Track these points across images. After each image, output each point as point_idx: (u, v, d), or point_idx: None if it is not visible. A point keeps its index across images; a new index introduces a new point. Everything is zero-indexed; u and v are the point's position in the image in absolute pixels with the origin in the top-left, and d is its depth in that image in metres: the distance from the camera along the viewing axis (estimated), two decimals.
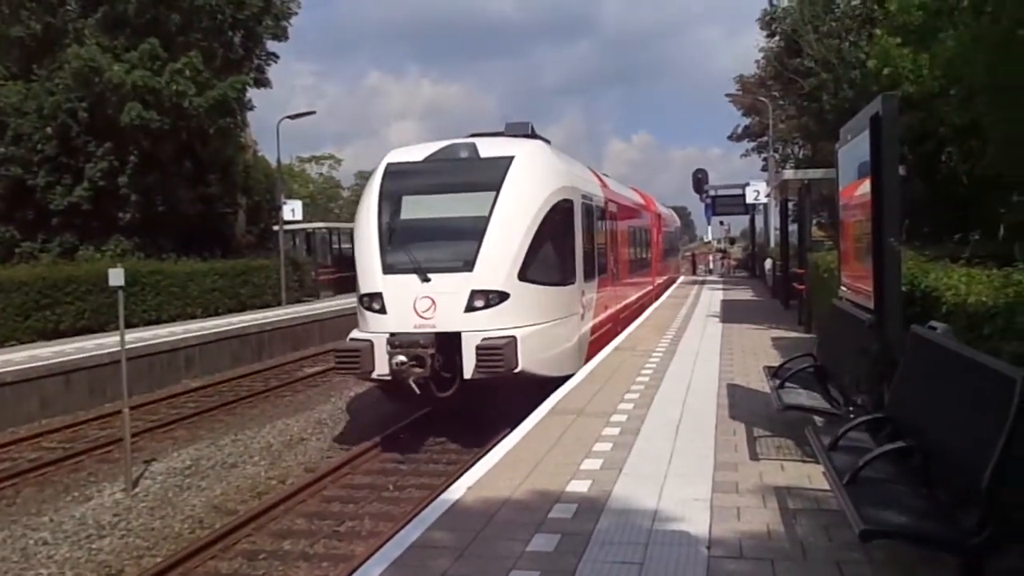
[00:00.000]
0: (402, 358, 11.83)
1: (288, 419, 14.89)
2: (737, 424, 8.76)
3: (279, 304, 29.69)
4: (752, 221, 43.59)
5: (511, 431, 9.10)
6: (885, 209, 6.92)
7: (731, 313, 20.95)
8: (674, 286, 34.09)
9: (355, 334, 12.74)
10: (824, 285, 13.49)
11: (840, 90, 22.48)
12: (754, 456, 7.54)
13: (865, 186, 7.41)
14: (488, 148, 13.52)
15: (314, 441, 13.37)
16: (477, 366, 11.72)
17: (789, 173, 19.88)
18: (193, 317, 25.15)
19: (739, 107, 50.17)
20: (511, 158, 13.16)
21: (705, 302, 24.98)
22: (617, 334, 17.22)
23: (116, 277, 10.84)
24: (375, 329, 12.36)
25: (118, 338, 11.56)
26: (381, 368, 12.07)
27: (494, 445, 8.74)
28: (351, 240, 45.59)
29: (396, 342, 11.96)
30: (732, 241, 63.74)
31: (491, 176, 12.90)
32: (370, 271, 12.67)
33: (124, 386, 11.51)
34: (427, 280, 12.20)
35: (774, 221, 35.12)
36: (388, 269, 12.50)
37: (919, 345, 5.54)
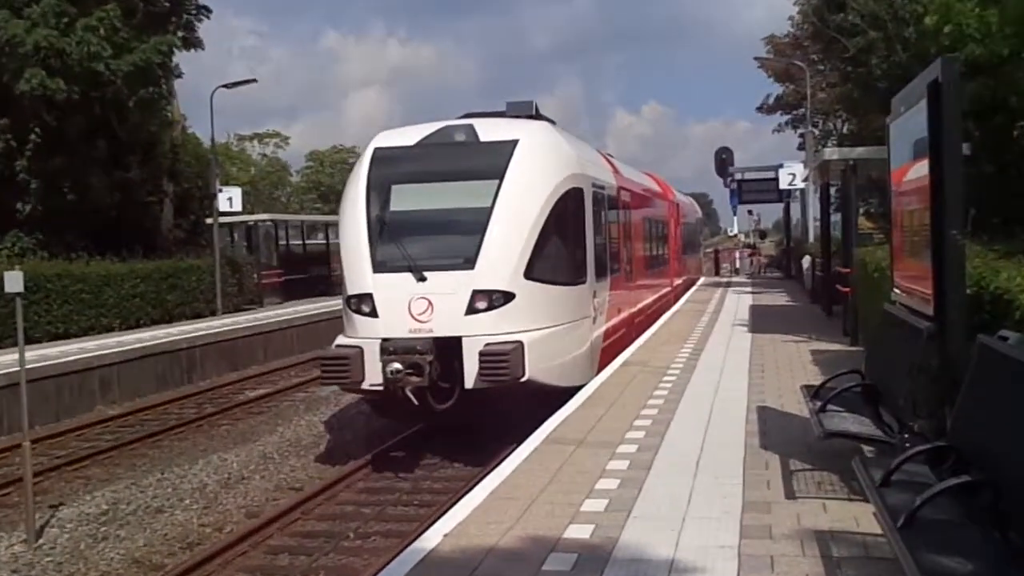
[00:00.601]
0: (397, 366, 12.38)
1: (226, 453, 14.86)
2: (770, 455, 8.79)
3: (214, 314, 29.64)
4: (787, 210, 43.76)
5: (514, 450, 9.22)
6: (946, 195, 6.97)
7: (762, 321, 21.03)
8: (693, 288, 34.21)
9: (342, 340, 13.40)
10: (874, 287, 13.57)
11: (892, 52, 22.62)
12: (790, 494, 7.56)
13: (922, 167, 7.46)
14: (488, 131, 14.15)
15: (258, 480, 13.35)
16: (480, 374, 12.32)
17: (831, 152, 19.93)
18: (109, 330, 25.07)
19: (770, 73, 50.39)
20: (515, 142, 13.79)
21: (730, 308, 25.07)
22: (632, 341, 17.88)
23: (13, 282, 10.80)
24: (365, 334, 12.97)
25: (16, 356, 11.52)
26: (372, 377, 12.64)
27: (478, 481, 8.74)
28: (301, 235, 45.66)
29: (390, 348, 12.55)
30: (763, 235, 64.12)
31: (493, 162, 13.54)
32: (358, 270, 13.31)
33: (24, 415, 11.45)
34: (423, 279, 12.88)
35: (813, 210, 35.31)
36: (379, 267, 13.16)
37: (987, 359, 5.57)
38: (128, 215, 30.81)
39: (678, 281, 32.09)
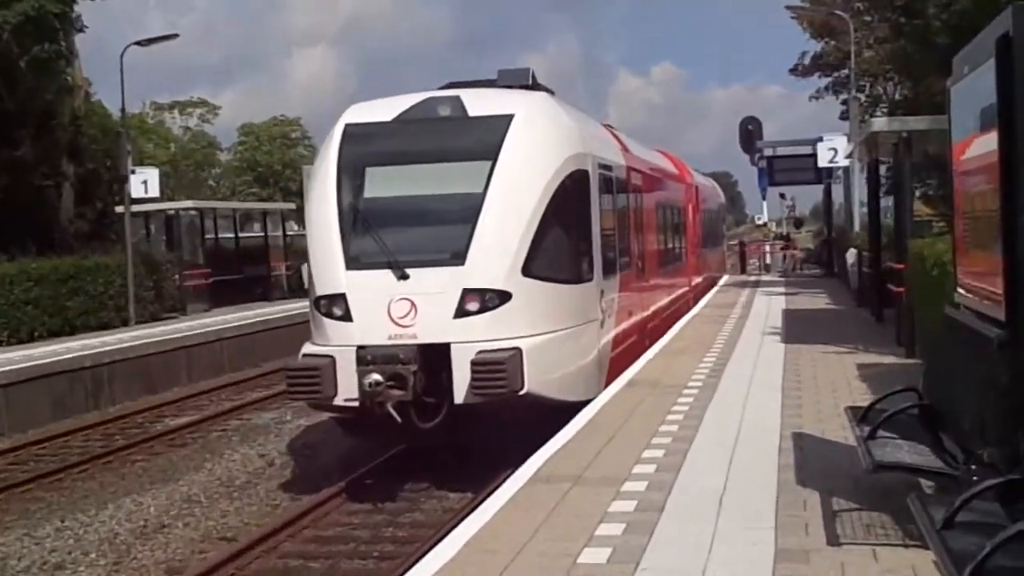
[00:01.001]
0: (376, 377, 12.80)
1: (141, 496, 14.82)
2: (808, 493, 8.82)
3: (126, 324, 29.57)
4: (827, 194, 43.99)
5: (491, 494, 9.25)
6: (1019, 174, 7.01)
7: (797, 329, 21.13)
8: (715, 289, 34.34)
9: (309, 348, 13.88)
10: (933, 287, 13.63)
11: (955, 0, 22.73)
12: (833, 540, 7.60)
13: (990, 140, 7.50)
14: (478, 104, 14.65)
15: (180, 528, 13.32)
16: (472, 387, 12.78)
17: (880, 123, 20.04)
18: None
19: (806, 27, 50.61)
20: (509, 117, 14.29)
21: (760, 312, 25.15)
22: (644, 351, 18.44)
23: None
24: (337, 341, 13.45)
25: None
26: (346, 391, 13.10)
27: (452, 527, 8.74)
28: (234, 226, 45.70)
29: (368, 357, 13.00)
30: (798, 223, 64.38)
31: (485, 140, 14.06)
32: (328, 266, 13.77)
33: None
34: (405, 277, 13.36)
35: (859, 193, 35.47)
36: (353, 263, 13.63)
37: None
38: (17, 202, 30.73)
39: (697, 280, 32.56)
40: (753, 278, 42.27)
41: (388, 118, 14.77)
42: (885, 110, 46.42)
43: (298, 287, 41.81)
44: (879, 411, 8.81)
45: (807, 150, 38.47)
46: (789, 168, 41.31)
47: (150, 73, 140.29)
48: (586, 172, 15.13)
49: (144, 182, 32.48)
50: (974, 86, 8.07)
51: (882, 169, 26.95)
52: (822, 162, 35.84)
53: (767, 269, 48.84)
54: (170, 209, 38.57)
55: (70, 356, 22.55)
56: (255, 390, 23.79)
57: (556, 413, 12.83)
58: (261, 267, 40.81)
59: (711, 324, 22.75)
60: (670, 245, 25.94)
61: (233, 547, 11.98)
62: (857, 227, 34.49)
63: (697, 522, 8.14)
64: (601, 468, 10.11)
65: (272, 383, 24.62)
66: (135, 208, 32.89)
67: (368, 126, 14.75)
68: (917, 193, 39.53)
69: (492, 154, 13.92)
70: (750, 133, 42.70)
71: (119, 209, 32.99)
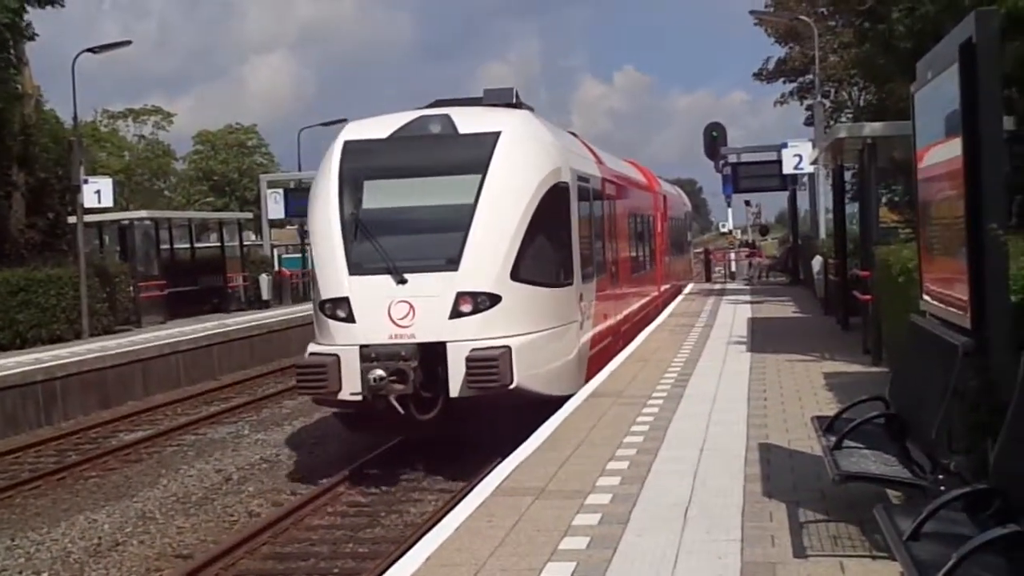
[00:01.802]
0: (380, 373, 14.22)
1: (95, 513, 14.70)
2: (774, 505, 8.85)
3: (79, 337, 29.32)
4: (792, 201, 44.22)
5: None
6: (983, 180, 7.06)
7: (764, 337, 21.20)
8: (679, 298, 34.44)
9: (314, 348, 15.26)
10: (899, 294, 13.71)
11: (918, 5, 22.91)
12: (800, 552, 7.62)
13: (954, 146, 7.56)
14: (467, 122, 16.14)
15: (135, 545, 13.22)
16: (467, 381, 14.25)
17: (845, 128, 20.16)
18: None
19: (770, 32, 50.92)
20: (497, 134, 15.77)
21: (725, 321, 25.23)
22: (617, 352, 19.80)
23: None
24: (341, 341, 14.85)
25: None
26: (350, 387, 14.48)
27: (411, 544, 8.71)
28: (189, 236, 45.55)
29: (372, 355, 14.43)
30: (763, 230, 64.71)
31: (474, 156, 15.53)
32: (332, 272, 15.20)
33: None
34: (403, 281, 14.80)
35: (825, 200, 35.67)
36: (355, 269, 15.06)
37: None
38: None
39: (665, 286, 33.47)
40: (718, 286, 42.40)
41: (384, 135, 16.14)
42: (850, 115, 46.73)
43: (255, 298, 41.71)
44: (845, 421, 8.84)
45: (772, 156, 38.67)
46: (754, 175, 41.52)
47: (104, 81, 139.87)
48: (566, 184, 16.64)
49: (97, 192, 32.25)
50: (938, 91, 8.13)
51: (848, 175, 27.10)
52: (787, 168, 36.03)
53: (732, 277, 49.01)
54: (124, 219, 38.29)
55: (21, 370, 22.33)
56: (212, 404, 23.66)
57: (541, 406, 14.10)
58: (217, 278, 40.59)
59: (676, 334, 22.81)
60: (640, 252, 27.51)
61: (189, 565, 11.89)
62: (823, 234, 34.64)
63: (662, 535, 8.14)
64: (564, 481, 10.10)
65: (229, 396, 24.52)
66: (88, 218, 32.65)
67: (365, 143, 16.15)
68: (883, 199, 39.76)
69: (481, 168, 15.32)
70: (714, 140, 42.86)
71: (71, 219, 32.75)
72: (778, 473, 9.89)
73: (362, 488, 14.96)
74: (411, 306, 14.68)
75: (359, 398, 14.50)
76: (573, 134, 21.80)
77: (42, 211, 36.19)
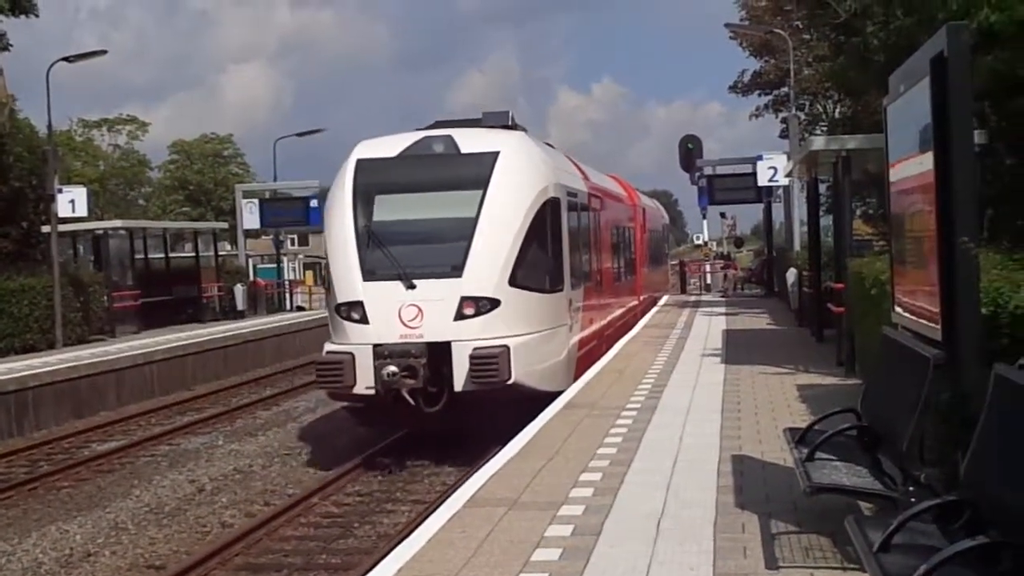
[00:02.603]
0: (393, 369, 15.77)
1: (67, 523, 14.60)
2: (747, 516, 8.86)
3: (52, 347, 29.14)
4: (768, 213, 44.35)
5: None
6: (955, 193, 7.11)
7: (738, 350, 21.25)
8: (654, 310, 34.49)
9: (331, 347, 16.79)
10: (872, 307, 13.78)
11: (892, 18, 23.01)
12: (772, 563, 7.63)
13: (927, 159, 7.60)
14: (468, 142, 17.84)
15: (107, 556, 13.14)
16: (470, 377, 15.88)
17: (819, 141, 20.26)
18: None
19: (745, 45, 51.05)
20: (496, 154, 17.45)
21: (699, 333, 25.27)
22: (602, 354, 21.31)
23: None
24: (356, 340, 16.38)
25: None
26: (364, 382, 16.02)
27: (383, 555, 8.67)
28: (164, 246, 45.32)
29: (386, 352, 16.00)
30: (738, 242, 64.89)
31: (476, 173, 17.17)
32: (348, 277, 16.80)
33: None
34: (412, 287, 16.38)
35: (799, 212, 35.81)
36: (369, 275, 16.64)
37: (1007, 392, 5.67)
38: None
39: (644, 296, 34.75)
40: (693, 298, 42.46)
41: (393, 154, 17.79)
42: (825, 128, 46.85)
43: (230, 308, 41.56)
44: (818, 432, 8.86)
45: (747, 169, 38.79)
46: (729, 187, 41.65)
47: (81, 91, 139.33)
48: (558, 199, 18.35)
49: (71, 201, 32.15)
50: (910, 105, 8.18)
51: (822, 187, 27.20)
52: (762, 181, 36.18)
53: (707, 289, 49.10)
54: (98, 229, 38.15)
55: None
56: (186, 414, 23.54)
57: (535, 401, 15.48)
58: (192, 288, 40.45)
59: (650, 345, 22.83)
60: (622, 263, 29.38)
61: (161, 575, 11.84)
62: (798, 246, 34.75)
63: (634, 546, 8.15)
64: (538, 492, 10.09)
65: (203, 407, 24.42)
66: (62, 227, 32.49)
67: (376, 161, 17.73)
68: (857, 212, 40.00)
69: (482, 185, 16.95)
70: (690, 152, 42.98)
71: (45, 228, 32.55)
72: (751, 485, 9.91)
73: (336, 499, 14.94)
74: (419, 309, 16.21)
75: (371, 392, 15.98)
76: (549, 144, 22.44)
77: (15, 220, 35.90)
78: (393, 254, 16.64)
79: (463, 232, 16.68)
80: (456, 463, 16.59)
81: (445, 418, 16.10)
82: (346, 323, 16.60)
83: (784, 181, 35.20)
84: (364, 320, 16.40)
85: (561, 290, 18.43)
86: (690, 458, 11.20)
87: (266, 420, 22.12)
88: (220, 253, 45.54)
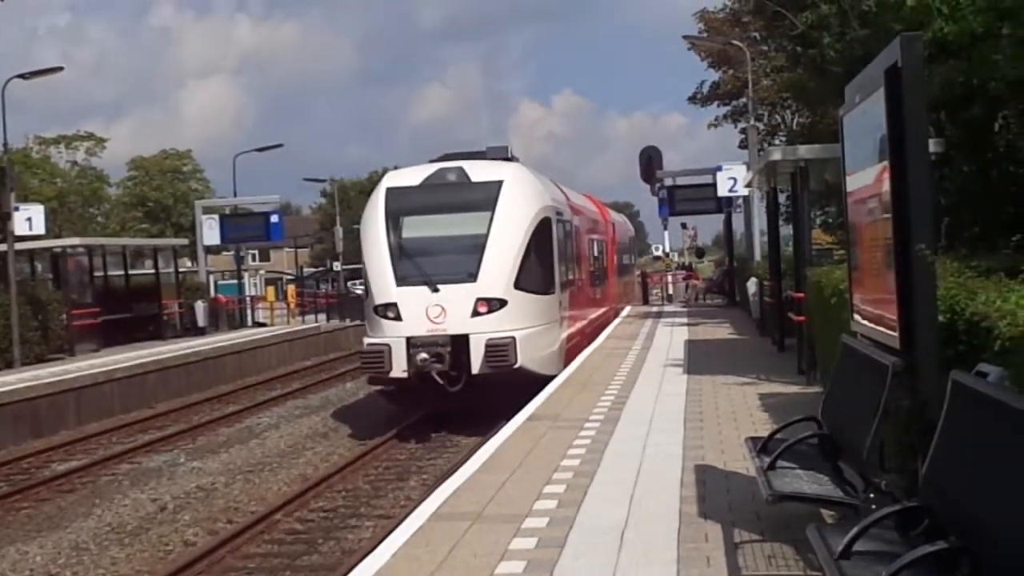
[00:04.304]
0: (424, 355, 19.75)
1: (26, 544, 14.48)
2: (710, 525, 8.89)
3: (10, 366, 28.92)
4: (728, 223, 44.57)
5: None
6: (911, 202, 7.17)
7: (700, 360, 21.33)
8: (616, 321, 34.58)
9: (369, 340, 20.86)
10: (831, 315, 13.85)
11: (848, 30, 23.21)
12: (735, 572, 7.66)
13: (882, 170, 7.67)
14: (477, 172, 22.18)
15: None
16: (485, 362, 19.95)
17: (777, 152, 20.38)
18: None
19: (704, 56, 51.28)
20: (500, 182, 21.72)
21: (661, 344, 25.35)
22: (582, 349, 24.83)
23: None
24: (391, 334, 20.36)
25: None
26: (398, 369, 20.04)
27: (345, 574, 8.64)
28: (124, 264, 45.12)
29: (418, 343, 20.02)
30: (699, 253, 65.10)
31: (485, 198, 21.38)
32: (384, 283, 20.79)
33: None
34: (436, 290, 20.31)
35: (759, 222, 35.98)
36: (401, 281, 20.63)
37: (963, 399, 5.72)
38: None
39: (615, 304, 38.40)
40: (656, 309, 42.57)
41: (416, 183, 22.11)
42: (784, 138, 47.08)
43: (191, 325, 41.32)
44: (779, 441, 8.91)
45: (707, 179, 38.86)
46: (690, 198, 41.81)
47: (40, 108, 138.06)
48: (549, 218, 22.44)
49: (29, 219, 31.87)
50: (865, 115, 8.25)
51: (782, 197, 27.34)
52: (722, 191, 36.27)
53: (670, 299, 49.21)
54: (56, 246, 37.87)
55: None
56: (147, 432, 23.38)
57: (534, 383, 18.89)
58: (153, 305, 40.21)
59: (612, 357, 22.88)
60: (598, 272, 33.84)
61: None
62: (758, 256, 34.90)
63: (598, 558, 8.16)
64: (501, 505, 10.10)
65: (165, 425, 24.26)
66: (19, 246, 32.24)
67: (402, 189, 22.05)
68: (817, 221, 40.10)
69: (491, 207, 21.15)
70: (650, 162, 43.16)
71: (2, 247, 32.28)
72: (714, 494, 9.95)
73: (300, 515, 14.89)
74: (443, 308, 20.16)
75: (404, 375, 19.94)
76: (512, 156, 25.18)
77: None
78: (420, 264, 20.73)
79: (476, 246, 20.76)
80: (422, 479, 16.59)
81: (463, 396, 19.81)
82: (383, 320, 20.49)
83: (744, 191, 35.32)
84: (398, 317, 20.29)
85: (553, 293, 22.49)
86: (653, 469, 11.23)
87: (228, 437, 22.02)
88: (180, 270, 45.26)
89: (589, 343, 26.43)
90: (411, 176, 22.75)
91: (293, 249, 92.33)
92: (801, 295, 18.05)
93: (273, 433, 22.13)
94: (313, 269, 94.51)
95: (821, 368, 16.10)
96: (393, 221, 21.41)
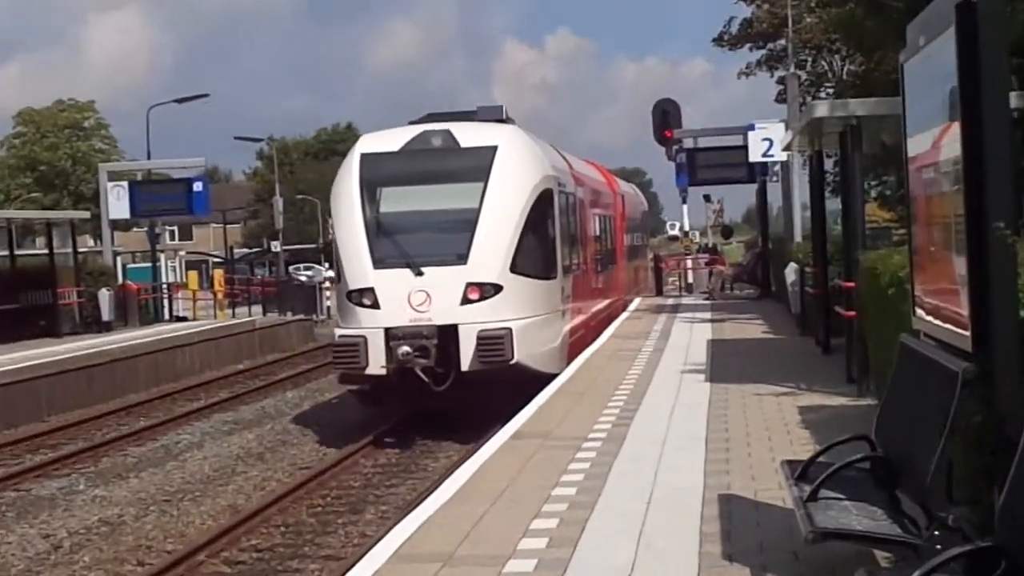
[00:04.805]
0: (406, 348, 20.57)
1: None
2: (736, 570, 8.90)
3: None
4: (762, 195, 44.50)
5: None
6: (987, 170, 7.16)
7: (726, 364, 21.37)
8: (624, 315, 34.62)
9: (342, 331, 21.82)
10: (889, 309, 13.85)
11: None
12: None
13: (952, 130, 7.66)
14: (466, 136, 22.95)
15: None
16: (476, 357, 20.79)
17: (823, 107, 20.37)
18: None
19: None
20: (494, 148, 22.47)
21: (678, 344, 25.37)
22: (587, 344, 25.92)
23: None
24: (367, 324, 21.25)
25: None
26: (375, 364, 20.93)
27: None
28: (8, 242, 45.01)
29: (399, 334, 20.85)
30: (727, 232, 65.06)
31: (476, 167, 22.16)
32: (358, 265, 21.64)
33: None
34: (420, 273, 21.19)
35: (801, 194, 36.02)
36: (379, 263, 21.49)
37: None
38: None
39: (624, 296, 39.31)
40: (671, 301, 42.61)
41: (395, 148, 22.98)
42: (831, 90, 47.18)
43: (94, 319, 41.17)
44: (823, 465, 8.89)
45: (737, 141, 38.97)
46: (715, 163, 41.74)
47: None
48: (551, 190, 23.44)
49: None
50: (931, 62, 8.22)
51: (828, 163, 27.35)
52: (754, 156, 36.36)
53: (689, 289, 49.18)
54: None
55: None
56: (38, 452, 23.34)
57: (532, 382, 19.73)
58: (45, 293, 39.99)
59: (617, 360, 22.90)
60: (606, 254, 35.07)
61: None
62: (799, 236, 34.97)
63: None
64: (478, 544, 10.07)
65: (60, 443, 24.21)
66: None
67: (379, 155, 22.95)
68: (872, 193, 40.18)
69: (483, 177, 21.92)
70: (666, 119, 43.07)
71: None
72: (741, 531, 9.94)
73: (228, 556, 14.87)
74: (427, 294, 21.06)
75: (383, 371, 20.95)
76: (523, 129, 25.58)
77: None
78: (401, 243, 21.66)
79: (467, 222, 21.58)
80: (380, 511, 16.61)
81: (451, 396, 20.79)
82: (358, 309, 21.44)
83: (782, 156, 35.38)
84: (375, 305, 21.21)
85: (555, 278, 23.57)
86: (667, 499, 11.22)
87: (140, 458, 22.00)
88: (80, 250, 45.16)
89: (594, 338, 27.40)
90: (390, 140, 23.61)
91: (221, 225, 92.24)
92: (851, 284, 18.06)
93: (195, 454, 22.13)
94: (247, 250, 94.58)
95: (875, 375, 16.11)
96: (369, 193, 22.27)
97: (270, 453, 21.88)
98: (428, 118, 24.59)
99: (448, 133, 22.92)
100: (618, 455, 13.49)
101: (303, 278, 78.65)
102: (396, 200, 22.42)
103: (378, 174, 22.58)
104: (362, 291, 21.36)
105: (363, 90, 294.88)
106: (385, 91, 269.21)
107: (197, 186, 46.19)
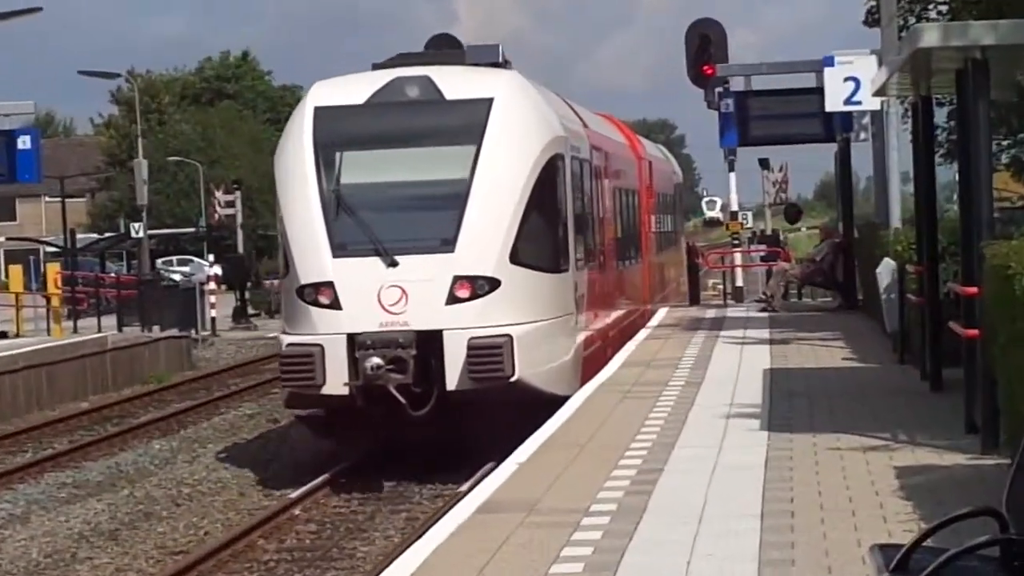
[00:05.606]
0: (377, 361, 21.51)
1: None
2: None
3: None
4: (844, 161, 44.58)
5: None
6: None
7: (790, 405, 21.43)
8: (642, 334, 34.64)
9: (291, 338, 22.81)
10: None
11: None
12: None
13: None
14: (453, 85, 24.19)
15: None
16: (466, 373, 21.85)
17: (935, 33, 20.42)
18: None
19: None
20: (489, 101, 23.71)
21: (722, 376, 25.36)
22: (606, 361, 27.55)
23: None
24: (324, 330, 22.44)
25: None
26: (334, 382, 21.92)
27: None
28: None
29: (368, 342, 21.85)
30: (794, 214, 64.99)
31: (466, 125, 23.49)
32: (312, 253, 22.77)
33: None
34: (394, 264, 22.44)
35: (899, 160, 36.11)
36: (339, 251, 22.74)
37: None
38: None
39: (648, 304, 40.98)
40: (712, 314, 42.53)
41: (360, 100, 24.12)
42: (945, 8, 47.35)
43: None
44: (931, 551, 8.92)
45: (808, 81, 38.99)
46: (775, 114, 41.63)
47: None
48: (562, 156, 24.90)
49: None
50: None
51: (940, 114, 27.45)
52: (833, 104, 36.34)
53: (737, 296, 49.11)
54: None
55: None
56: None
57: (538, 407, 20.69)
58: None
59: (633, 400, 22.87)
60: (627, 239, 37.68)
61: None
62: (897, 221, 35.05)
63: None
64: None
65: None
66: None
67: (339, 109, 24.06)
68: (1004, 158, 40.39)
69: (475, 139, 23.16)
70: (706, 50, 43.03)
71: None
72: None
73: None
74: (403, 291, 22.29)
75: (345, 391, 21.92)
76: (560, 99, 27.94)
77: None
78: (369, 225, 22.96)
79: (454, 197, 23.07)
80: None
81: (433, 423, 21.80)
82: (312, 309, 22.58)
83: (873, 104, 35.40)
84: (335, 305, 22.43)
85: (566, 271, 25.13)
86: None
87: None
88: None
89: (614, 353, 29.39)
90: (352, 90, 24.88)
91: (58, 199, 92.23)
92: (974, 291, 18.07)
93: (18, 531, 22.11)
94: (95, 236, 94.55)
95: (1008, 423, 16.14)
96: (326, 159, 23.57)
97: (127, 531, 21.87)
98: (400, 60, 25.71)
99: (428, 81, 23.99)
100: (633, 536, 13.45)
101: (177, 277, 79.01)
102: (361, 168, 23.55)
103: (337, 134, 23.68)
104: (317, 286, 22.38)
105: (263, 8, 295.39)
106: (295, 10, 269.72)
107: (23, 141, 45.86)
